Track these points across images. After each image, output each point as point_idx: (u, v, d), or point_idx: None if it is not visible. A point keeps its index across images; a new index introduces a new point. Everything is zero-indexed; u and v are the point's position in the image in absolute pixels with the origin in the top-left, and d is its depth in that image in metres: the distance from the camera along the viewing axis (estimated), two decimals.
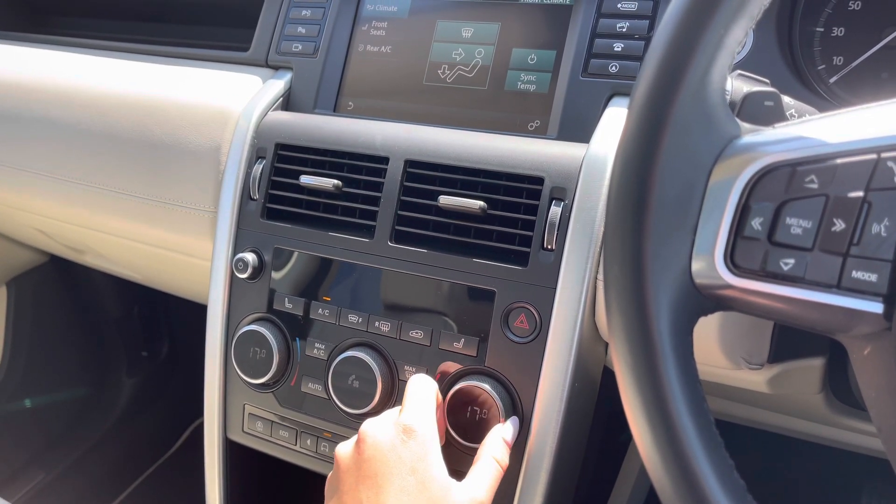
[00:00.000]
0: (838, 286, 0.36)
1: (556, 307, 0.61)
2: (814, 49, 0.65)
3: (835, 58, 0.64)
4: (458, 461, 0.64)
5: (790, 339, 0.59)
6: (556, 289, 0.61)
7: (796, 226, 0.37)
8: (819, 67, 0.65)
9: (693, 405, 0.38)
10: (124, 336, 1.40)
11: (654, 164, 0.38)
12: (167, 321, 1.46)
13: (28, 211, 0.96)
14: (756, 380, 0.62)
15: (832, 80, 0.64)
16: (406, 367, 0.66)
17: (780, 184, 0.37)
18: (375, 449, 0.54)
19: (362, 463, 0.54)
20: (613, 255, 0.40)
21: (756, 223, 0.38)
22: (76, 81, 0.87)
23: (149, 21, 1.00)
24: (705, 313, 0.40)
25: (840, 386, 0.67)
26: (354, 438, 0.56)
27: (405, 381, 0.66)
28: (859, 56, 0.63)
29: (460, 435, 0.62)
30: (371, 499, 0.52)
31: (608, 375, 0.65)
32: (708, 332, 0.57)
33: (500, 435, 0.59)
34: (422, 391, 0.59)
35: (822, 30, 0.65)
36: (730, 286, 0.38)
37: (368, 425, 0.56)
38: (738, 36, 0.38)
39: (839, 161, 0.36)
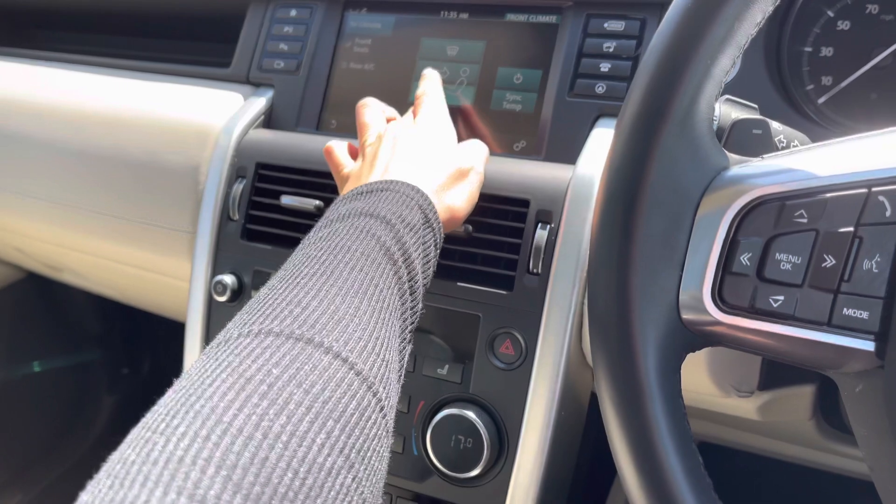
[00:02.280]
0: (829, 323, 0.36)
1: (542, 333, 0.59)
2: (802, 69, 0.64)
3: (823, 78, 0.64)
4: (446, 493, 0.62)
5: (780, 366, 0.58)
6: (542, 314, 0.59)
7: (786, 261, 0.36)
8: (808, 88, 0.64)
9: (681, 447, 0.37)
10: (105, 353, 1.38)
11: (640, 197, 0.37)
12: (149, 338, 1.43)
13: (4, 229, 0.94)
14: (746, 407, 0.61)
15: (821, 100, 0.63)
16: None
17: (769, 218, 0.36)
18: (395, 138, 0.57)
19: (378, 150, 0.57)
20: (598, 290, 0.38)
21: (745, 258, 0.37)
22: (52, 97, 0.85)
23: (128, 35, 0.99)
24: (693, 349, 0.39)
25: (831, 411, 0.66)
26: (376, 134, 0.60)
27: None
28: (848, 76, 0.63)
29: (444, 464, 0.61)
30: (386, 160, 0.55)
31: (596, 401, 0.64)
32: (697, 359, 0.56)
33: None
34: (434, 92, 0.63)
35: (810, 49, 0.64)
36: (718, 322, 0.37)
37: (390, 125, 0.60)
38: (725, 65, 0.37)
39: (829, 195, 0.36)
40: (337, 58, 0.77)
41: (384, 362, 0.39)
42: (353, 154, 0.63)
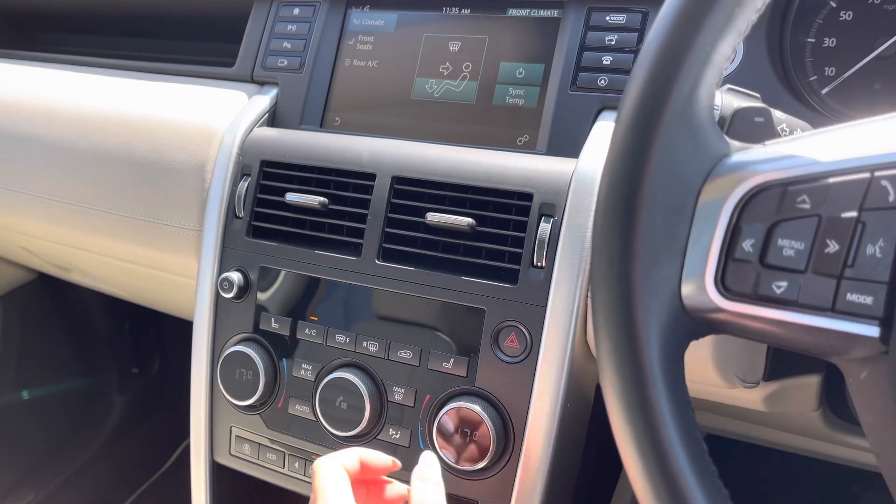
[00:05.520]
0: (833, 309, 0.35)
1: (546, 326, 0.59)
2: (805, 60, 0.64)
3: (826, 68, 0.63)
4: (453, 485, 0.63)
5: (786, 356, 0.58)
6: (546, 307, 0.59)
7: (788, 247, 0.36)
8: (811, 78, 0.64)
9: (685, 434, 0.37)
10: (114, 352, 1.39)
11: (641, 185, 0.37)
12: (158, 337, 1.44)
13: (12, 230, 0.94)
14: (751, 398, 0.61)
15: (824, 91, 0.63)
16: (395, 388, 0.65)
17: (772, 204, 0.36)
18: None
19: None
20: (601, 279, 0.38)
21: (747, 245, 0.37)
22: (59, 98, 0.86)
23: (133, 36, 0.99)
24: (696, 337, 0.39)
25: (838, 401, 0.66)
26: None
27: (394, 403, 0.65)
28: (851, 67, 0.62)
29: (452, 458, 0.61)
30: None
31: (601, 393, 0.64)
32: (701, 350, 0.56)
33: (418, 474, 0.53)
34: (330, 485, 0.49)
35: (813, 40, 0.64)
36: (721, 310, 0.37)
37: None
38: (726, 52, 0.37)
39: (831, 180, 0.35)
40: (340, 55, 0.77)
41: None
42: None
